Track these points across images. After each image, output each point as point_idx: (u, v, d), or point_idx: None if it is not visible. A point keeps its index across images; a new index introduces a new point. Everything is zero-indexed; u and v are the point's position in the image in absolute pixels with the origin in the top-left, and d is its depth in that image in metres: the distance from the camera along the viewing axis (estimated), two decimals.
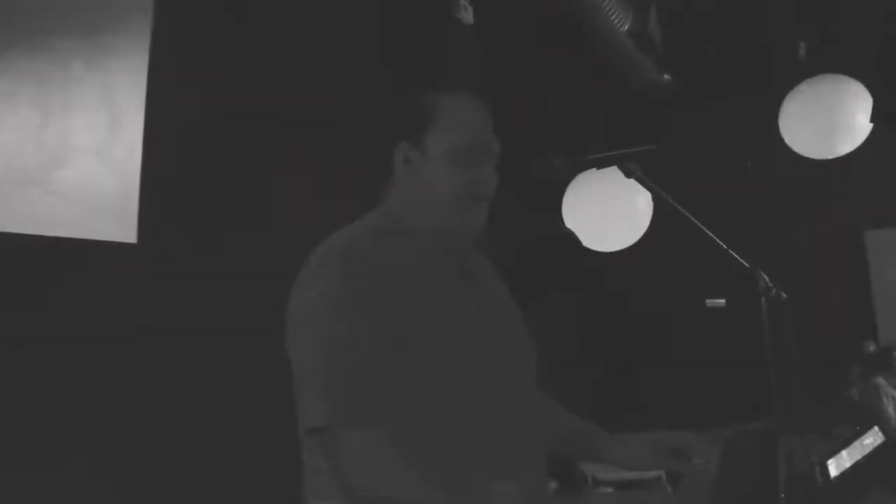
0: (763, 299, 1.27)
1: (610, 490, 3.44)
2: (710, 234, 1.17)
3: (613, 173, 1.22)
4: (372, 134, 1.28)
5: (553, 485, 3.30)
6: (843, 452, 1.35)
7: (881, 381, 3.54)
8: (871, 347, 3.76)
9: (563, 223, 3.62)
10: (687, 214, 1.16)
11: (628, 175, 1.17)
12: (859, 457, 1.30)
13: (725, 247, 1.20)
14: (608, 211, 3.42)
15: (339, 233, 1.17)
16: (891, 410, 3.40)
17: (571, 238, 3.52)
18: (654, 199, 1.26)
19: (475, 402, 1.09)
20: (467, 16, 2.94)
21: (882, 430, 1.35)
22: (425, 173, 1.18)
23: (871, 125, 3.46)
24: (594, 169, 1.20)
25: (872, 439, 1.33)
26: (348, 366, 1.03)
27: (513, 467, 1.09)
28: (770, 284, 1.27)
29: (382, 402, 1.02)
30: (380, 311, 1.06)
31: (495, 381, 1.12)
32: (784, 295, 1.30)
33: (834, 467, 1.32)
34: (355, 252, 1.12)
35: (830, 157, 3.71)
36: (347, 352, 1.04)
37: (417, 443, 1.02)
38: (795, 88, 3.67)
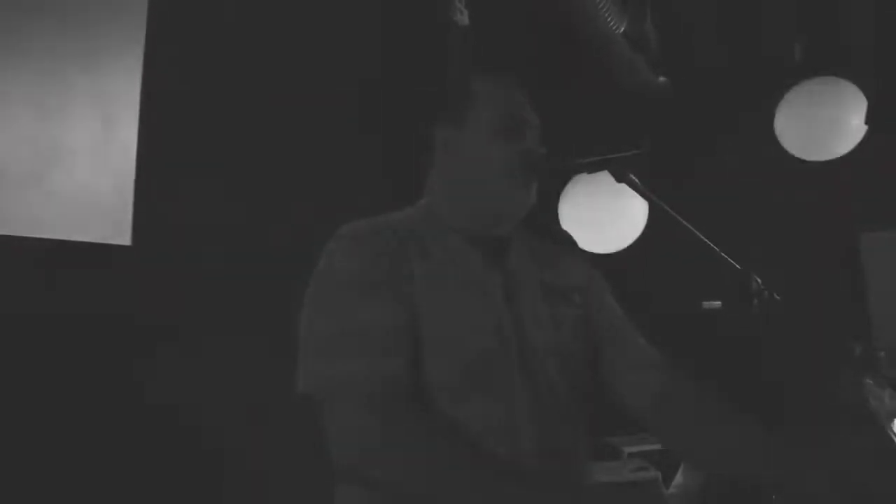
0: (755, 301, 1.27)
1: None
2: (702, 237, 1.18)
3: (608, 176, 1.22)
4: (401, 127, 1.25)
5: None
6: None
7: (868, 381, 3.56)
8: (858, 350, 3.79)
9: (560, 225, 3.63)
10: (678, 217, 1.16)
11: (619, 179, 1.17)
12: None
13: (717, 249, 1.20)
14: (604, 213, 3.43)
15: (368, 218, 1.17)
16: (883, 410, 3.42)
17: (567, 238, 3.52)
18: (648, 202, 1.26)
19: (471, 390, 1.06)
20: (463, 18, 2.94)
21: (874, 433, 1.35)
22: (467, 150, 1.16)
23: (867, 127, 3.47)
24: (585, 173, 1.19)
25: None
26: (341, 340, 1.02)
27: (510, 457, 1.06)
28: (762, 286, 1.28)
29: (371, 378, 1.01)
30: (379, 289, 1.05)
31: (493, 370, 1.08)
32: (777, 296, 1.30)
33: None
34: (366, 235, 1.11)
35: (825, 159, 3.71)
36: (345, 325, 1.03)
37: (407, 425, 1.00)
38: (790, 90, 3.68)
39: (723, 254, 1.20)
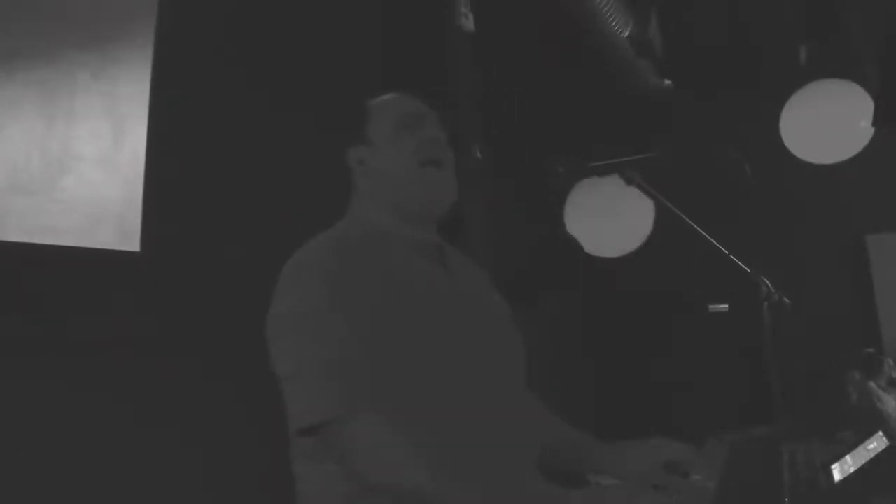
0: (765, 304, 1.27)
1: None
2: (712, 240, 1.18)
3: (615, 180, 1.22)
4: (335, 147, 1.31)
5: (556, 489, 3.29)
6: (847, 457, 1.35)
7: (872, 385, 3.56)
8: (867, 353, 3.79)
9: (565, 228, 3.63)
10: (688, 221, 1.16)
11: (629, 182, 1.17)
12: (863, 462, 1.29)
13: (727, 252, 1.20)
14: (610, 217, 3.43)
15: (316, 239, 1.19)
16: (890, 412, 3.41)
17: (571, 241, 3.53)
18: (657, 206, 1.26)
19: (463, 396, 1.09)
20: (468, 24, 2.95)
21: (886, 434, 1.34)
22: (377, 160, 1.22)
23: (873, 129, 3.46)
24: (595, 176, 1.20)
25: (876, 444, 1.32)
26: (346, 361, 1.04)
27: (500, 458, 1.10)
28: (772, 290, 1.28)
29: (379, 395, 1.04)
30: (366, 312, 1.07)
31: (480, 377, 1.12)
32: (787, 300, 1.30)
33: (838, 472, 1.32)
34: (338, 256, 1.13)
35: (832, 162, 3.70)
36: (344, 349, 1.05)
37: (415, 434, 1.03)
38: (796, 93, 3.67)
39: (732, 257, 1.20)
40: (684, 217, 1.17)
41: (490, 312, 1.25)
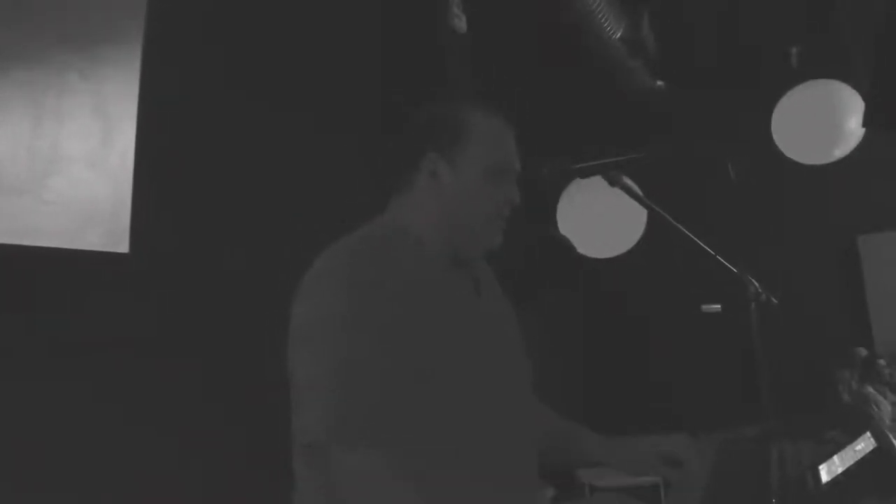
0: (753, 305, 1.27)
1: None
2: (698, 241, 1.18)
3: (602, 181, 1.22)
4: (393, 142, 1.25)
5: (551, 491, 3.30)
6: (835, 458, 1.35)
7: (870, 389, 3.55)
8: (864, 353, 3.77)
9: (558, 229, 3.63)
10: (673, 221, 1.16)
11: (612, 184, 1.17)
12: (851, 462, 1.29)
13: (713, 252, 1.20)
14: (602, 218, 3.43)
15: (342, 243, 1.14)
16: (885, 418, 3.41)
17: (566, 243, 3.53)
18: (644, 206, 1.26)
19: (480, 418, 1.08)
20: (461, 24, 2.95)
21: (874, 435, 1.34)
22: (457, 189, 1.17)
23: (864, 129, 3.47)
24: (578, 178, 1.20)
25: (864, 445, 1.32)
26: (349, 383, 1.01)
27: (509, 478, 1.10)
28: (760, 290, 1.28)
29: (381, 420, 1.01)
30: (385, 327, 1.04)
31: (497, 395, 1.12)
32: (774, 300, 1.30)
33: (825, 473, 1.32)
34: (361, 264, 1.09)
35: (823, 163, 3.72)
36: (349, 368, 1.02)
37: (417, 463, 1.01)
38: (787, 94, 3.68)
39: (719, 257, 1.20)
40: (668, 217, 1.17)
41: (504, 326, 1.25)
